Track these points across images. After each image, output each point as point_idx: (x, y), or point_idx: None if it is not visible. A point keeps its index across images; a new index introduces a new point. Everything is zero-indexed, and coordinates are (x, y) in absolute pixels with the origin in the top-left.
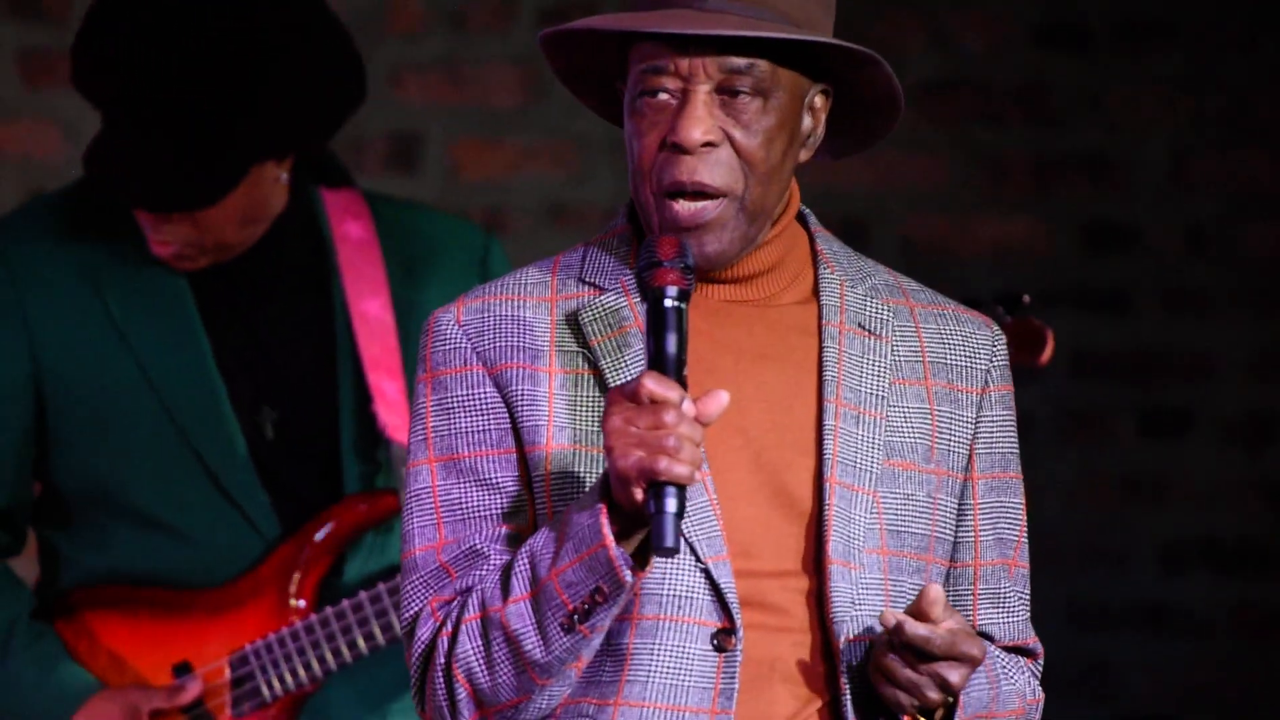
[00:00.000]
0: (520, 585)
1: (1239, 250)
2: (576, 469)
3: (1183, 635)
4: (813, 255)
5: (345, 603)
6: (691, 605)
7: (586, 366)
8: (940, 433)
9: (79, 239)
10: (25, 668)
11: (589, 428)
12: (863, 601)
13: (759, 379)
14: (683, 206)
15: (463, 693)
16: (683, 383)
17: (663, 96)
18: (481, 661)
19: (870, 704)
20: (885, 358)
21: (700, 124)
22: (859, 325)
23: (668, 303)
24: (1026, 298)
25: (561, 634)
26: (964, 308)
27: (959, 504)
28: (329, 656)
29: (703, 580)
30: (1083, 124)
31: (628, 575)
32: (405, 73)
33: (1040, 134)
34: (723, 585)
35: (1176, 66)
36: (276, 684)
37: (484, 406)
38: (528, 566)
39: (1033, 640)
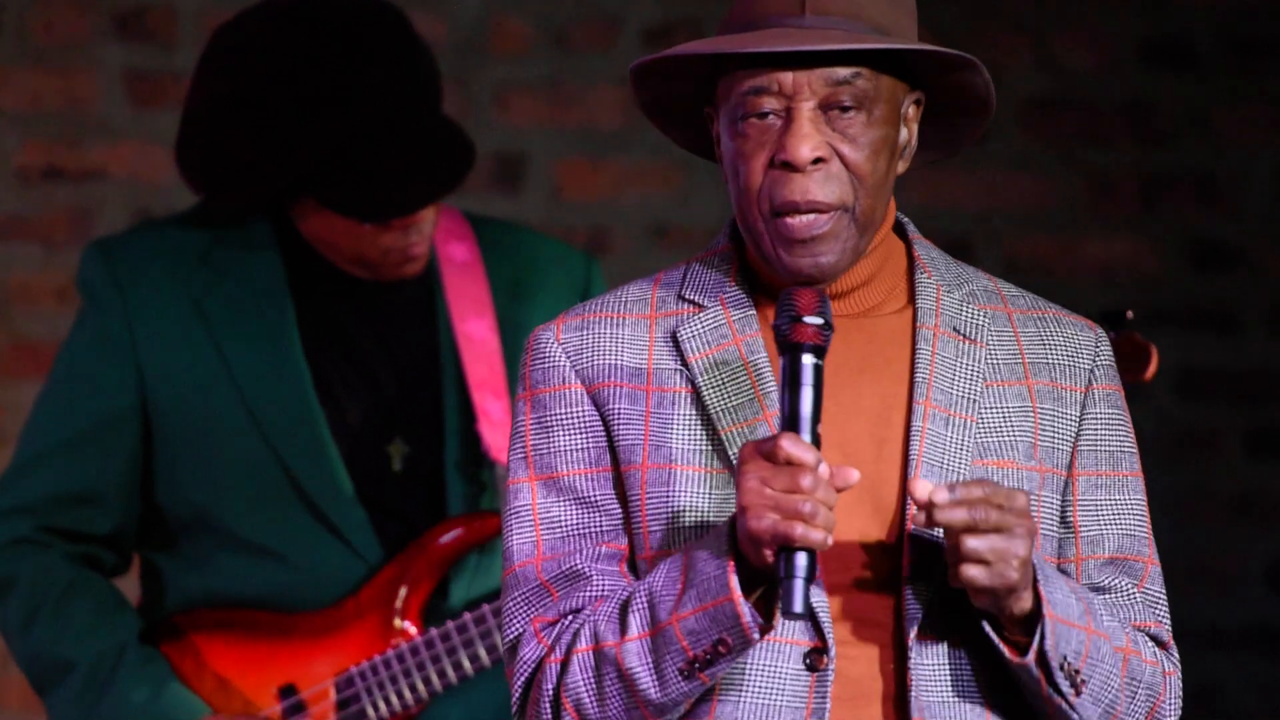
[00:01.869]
0: (638, 624)
1: None
2: (672, 488)
3: None
4: (909, 262)
5: (450, 624)
6: (784, 625)
7: (684, 384)
8: (1043, 430)
9: (187, 265)
10: (135, 690)
11: (685, 446)
12: (948, 607)
13: (857, 391)
14: (797, 220)
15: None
16: (817, 440)
17: (769, 118)
18: (592, 694)
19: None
20: (980, 361)
21: (809, 140)
22: (953, 329)
23: (806, 360)
24: (1130, 313)
25: (680, 679)
26: (1065, 311)
27: (1062, 500)
28: (434, 678)
29: None
30: (1189, 143)
31: (755, 634)
32: (509, 93)
33: (1146, 153)
34: (816, 605)
35: None
36: (382, 705)
37: (582, 425)
38: (645, 606)
39: (1158, 627)
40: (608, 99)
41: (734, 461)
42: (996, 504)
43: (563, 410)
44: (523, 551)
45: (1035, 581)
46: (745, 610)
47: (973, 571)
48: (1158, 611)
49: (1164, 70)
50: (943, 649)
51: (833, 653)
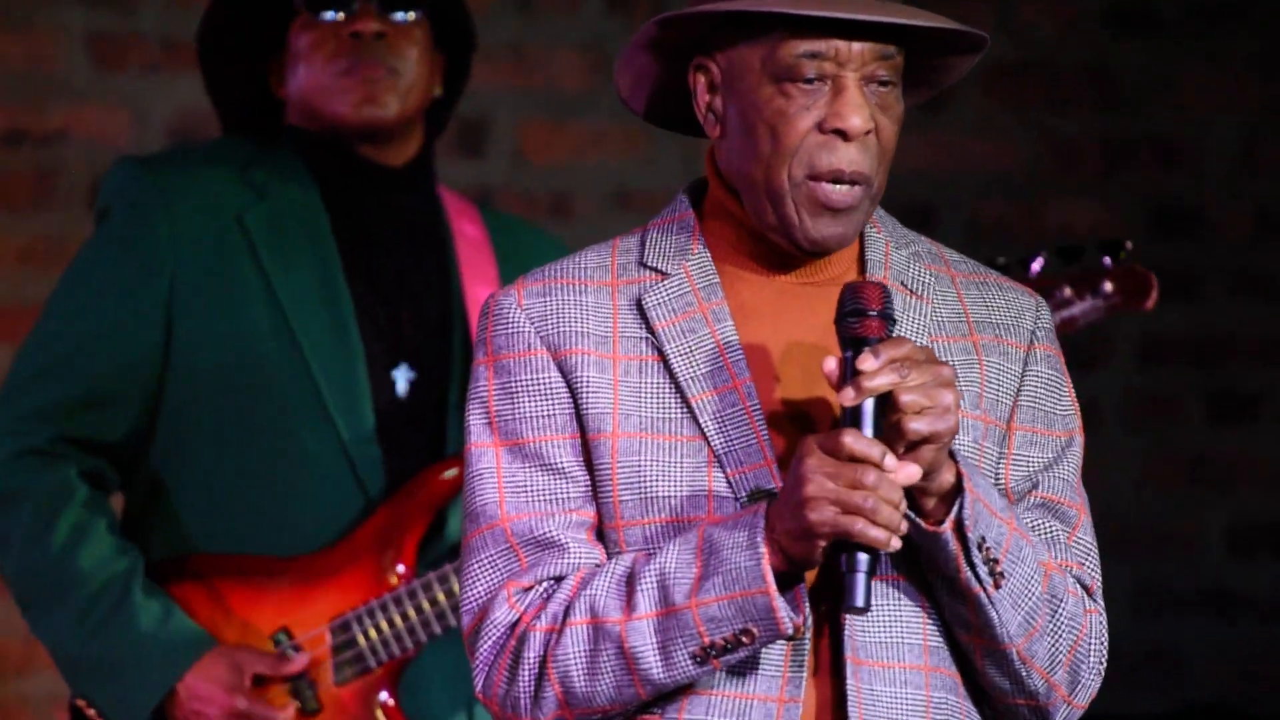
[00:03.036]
0: (647, 602)
1: None
2: (643, 457)
3: (1250, 621)
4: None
5: (447, 566)
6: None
7: (651, 352)
8: (989, 381)
9: (228, 181)
10: (144, 618)
11: (654, 415)
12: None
13: (819, 360)
14: (838, 189)
15: (551, 692)
16: (879, 433)
17: (815, 81)
18: (583, 668)
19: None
20: (925, 317)
21: (863, 110)
22: (901, 283)
23: None
24: (1129, 243)
25: (689, 662)
26: (1005, 278)
27: (999, 451)
28: (433, 621)
29: None
30: (1152, 107)
31: (789, 629)
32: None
33: (1109, 118)
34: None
35: (1247, 49)
36: (382, 650)
37: (549, 391)
38: (656, 585)
39: (1080, 570)
40: (571, 62)
41: (704, 429)
42: (917, 357)
43: (528, 376)
44: (488, 513)
45: (954, 458)
46: (780, 605)
47: (914, 424)
48: (1086, 561)
49: (1126, 35)
50: (880, 592)
51: (809, 621)
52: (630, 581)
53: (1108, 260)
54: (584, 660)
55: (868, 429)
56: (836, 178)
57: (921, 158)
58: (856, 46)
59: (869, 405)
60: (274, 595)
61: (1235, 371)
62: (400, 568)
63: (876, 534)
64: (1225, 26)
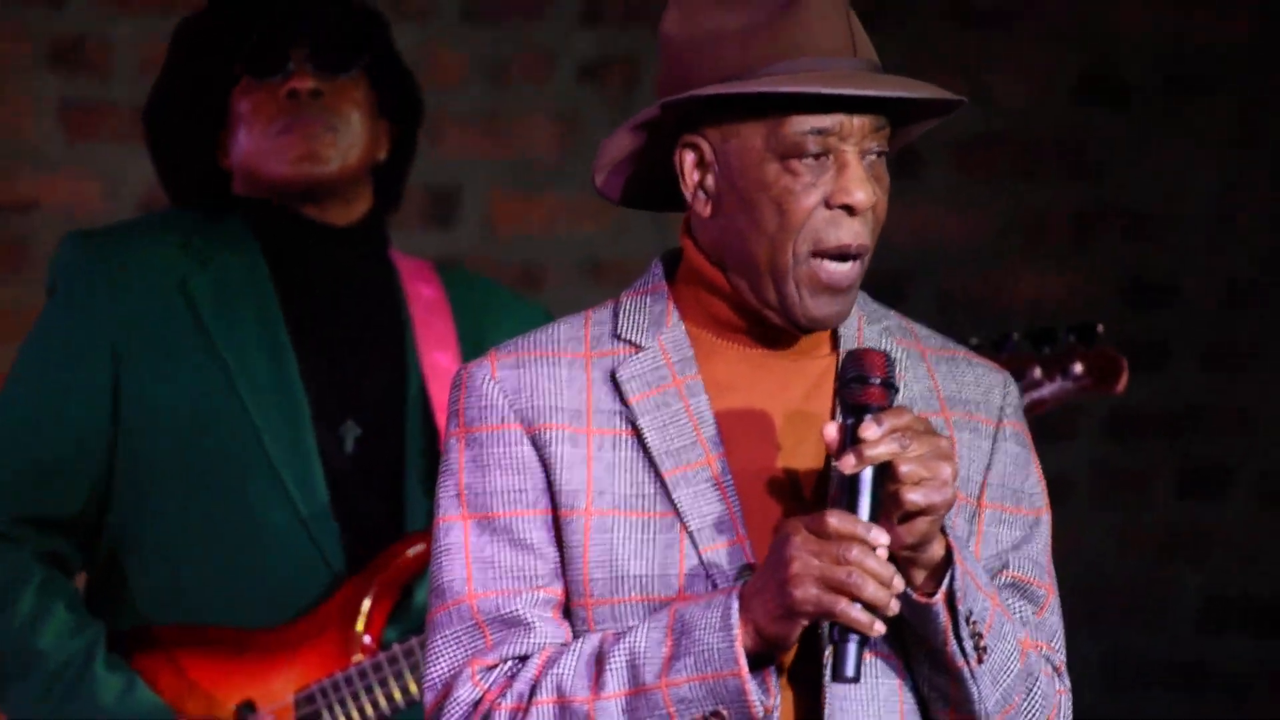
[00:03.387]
0: (615, 682)
1: (1279, 305)
2: (615, 535)
3: (1220, 694)
4: None
5: (414, 639)
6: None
7: (625, 426)
8: (960, 458)
9: (169, 249)
10: (104, 691)
11: (627, 491)
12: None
13: (800, 434)
14: (841, 267)
15: None
16: (877, 505)
17: (819, 158)
18: None
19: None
20: (899, 395)
21: (866, 185)
22: None
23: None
24: (1101, 327)
25: None
26: (974, 354)
27: (969, 530)
28: (396, 694)
29: None
30: (1123, 179)
31: (760, 710)
32: (444, 125)
33: (1080, 189)
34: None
35: (1218, 121)
36: None
37: (521, 466)
38: (625, 665)
39: (1051, 652)
40: (543, 132)
41: (676, 505)
42: (917, 428)
43: (500, 450)
44: (454, 589)
45: (944, 532)
46: (752, 687)
47: (912, 495)
48: (1054, 640)
49: (1097, 107)
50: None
51: (777, 700)
52: (599, 660)
53: (1078, 342)
54: None
55: (865, 497)
56: (843, 253)
57: (893, 229)
58: (858, 121)
59: (867, 474)
60: (239, 667)
61: (1206, 443)
62: (366, 640)
63: (859, 616)
64: (1195, 97)
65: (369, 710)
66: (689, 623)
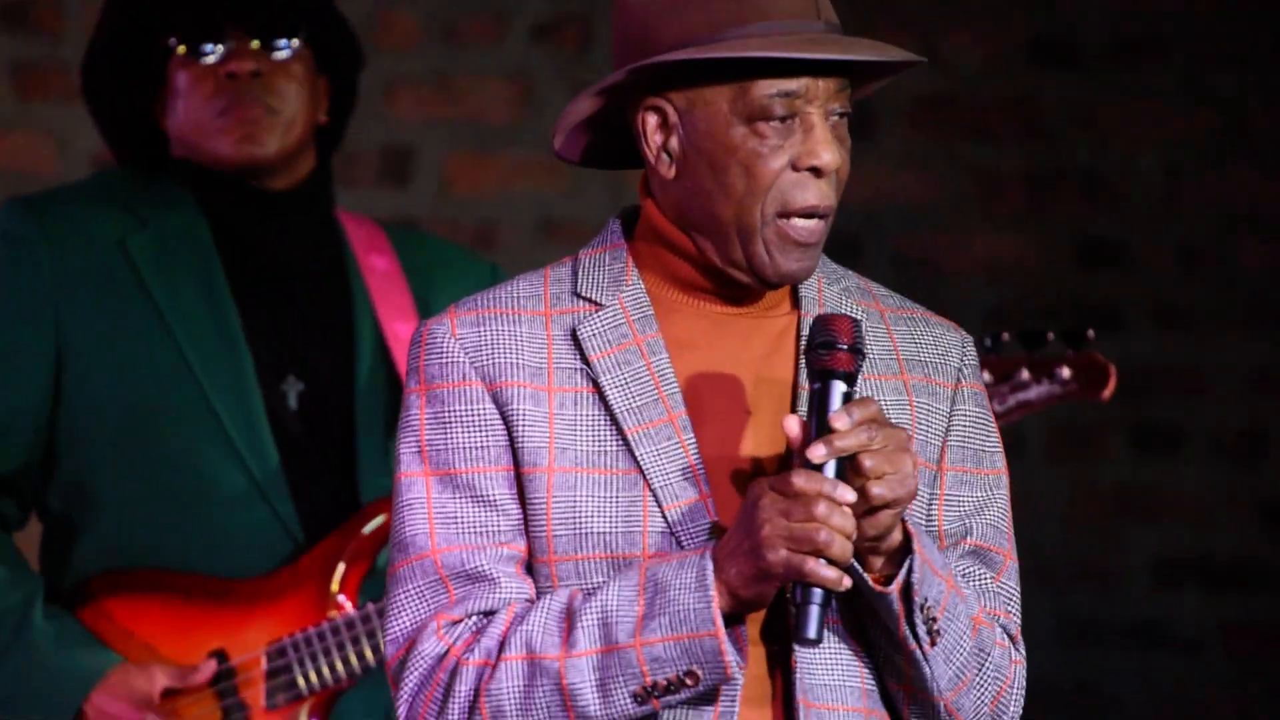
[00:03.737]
0: (586, 640)
1: (1231, 267)
2: (578, 492)
3: (1174, 652)
4: None
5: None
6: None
7: (586, 384)
8: (919, 423)
9: (109, 211)
10: (46, 646)
11: (590, 448)
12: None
13: (761, 391)
14: (808, 224)
15: None
16: (842, 468)
17: (785, 121)
18: (517, 704)
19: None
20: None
21: (832, 147)
22: None
23: (838, 386)
24: (1091, 332)
25: (630, 702)
26: (931, 313)
27: (930, 493)
28: (368, 653)
29: None
30: (1075, 140)
31: (735, 671)
32: (398, 87)
33: (1033, 150)
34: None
35: (1169, 83)
36: (314, 676)
37: (482, 423)
38: (596, 623)
39: (1007, 619)
40: (496, 93)
41: (640, 462)
42: (881, 420)
43: (462, 407)
44: (417, 544)
45: (903, 520)
46: (729, 648)
47: (877, 489)
48: (1010, 606)
49: (1050, 68)
50: (826, 637)
51: (744, 658)
52: (568, 618)
53: (1067, 347)
54: (518, 695)
55: (832, 461)
56: (810, 213)
57: (847, 190)
58: (823, 83)
59: (831, 464)
60: (213, 616)
61: (1158, 403)
62: (341, 599)
63: (828, 574)
64: (1148, 60)
65: (339, 667)
66: (662, 582)
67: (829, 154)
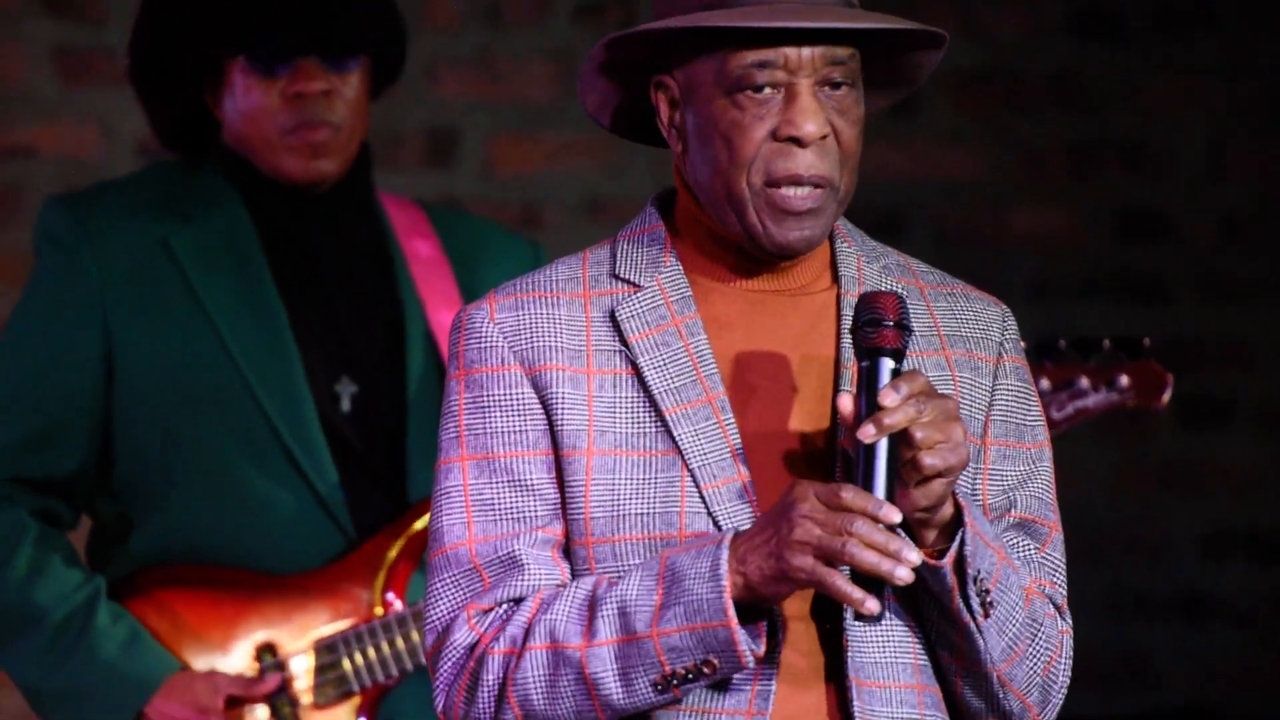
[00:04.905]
0: (607, 629)
1: (1275, 237)
2: (617, 475)
3: (1223, 624)
4: (830, 231)
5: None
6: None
7: (625, 365)
8: (963, 398)
9: (151, 210)
10: (106, 643)
11: (629, 430)
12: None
13: (800, 370)
14: (796, 192)
15: (510, 715)
16: (894, 465)
17: (767, 90)
18: (543, 692)
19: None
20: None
21: (817, 116)
22: None
23: (886, 364)
24: (1147, 341)
25: (650, 691)
26: (972, 287)
27: (974, 467)
28: (419, 650)
29: None
30: (1118, 113)
31: (750, 660)
32: (441, 67)
33: (1075, 123)
34: None
35: (1212, 55)
36: (366, 675)
37: (521, 407)
38: (616, 612)
39: (1053, 589)
40: (539, 73)
41: (678, 443)
42: (929, 392)
43: (500, 391)
44: (454, 532)
45: (954, 494)
46: (741, 638)
47: (930, 459)
48: (1056, 577)
49: (1091, 41)
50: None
51: (780, 637)
52: (591, 607)
53: (1124, 356)
54: (544, 684)
55: (881, 462)
56: (794, 182)
57: (889, 166)
58: (806, 53)
59: (883, 441)
60: (262, 610)
61: (1204, 376)
62: (390, 595)
63: (850, 592)
64: (1189, 32)
65: (390, 664)
66: (679, 571)
67: (811, 123)
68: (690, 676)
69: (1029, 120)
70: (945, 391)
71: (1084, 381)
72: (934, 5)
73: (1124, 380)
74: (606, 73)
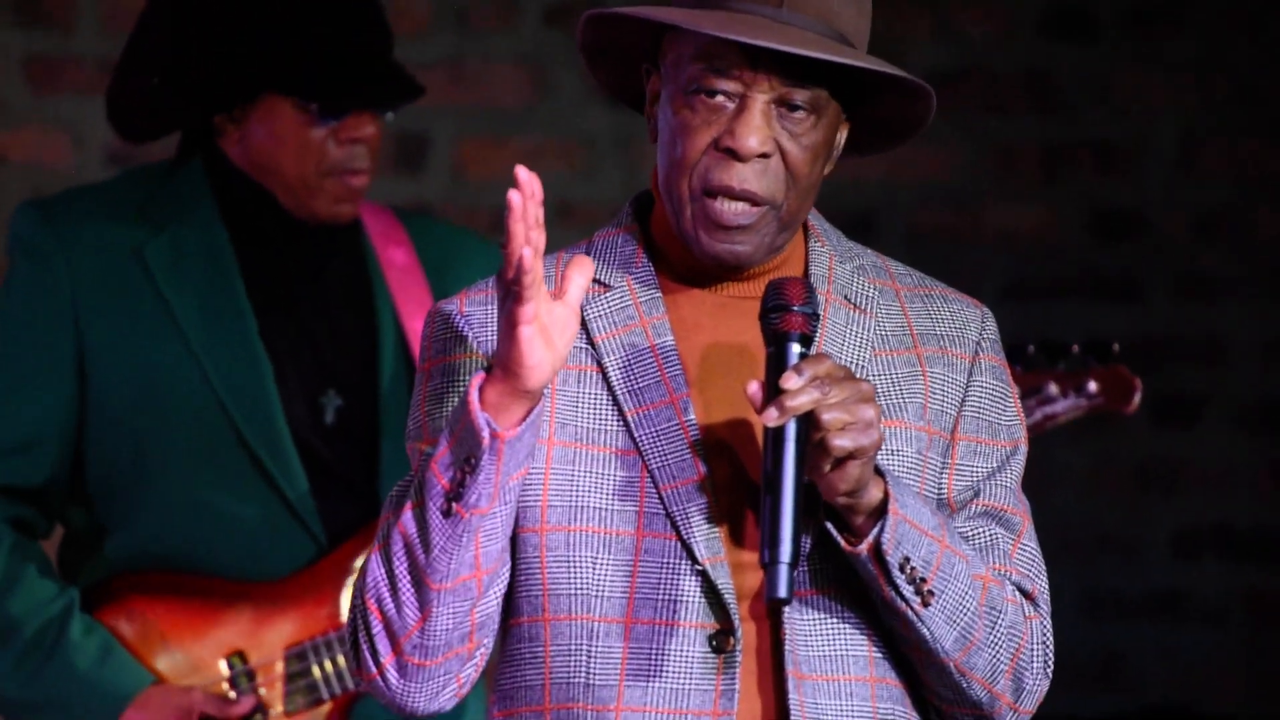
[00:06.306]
0: (413, 493)
1: (1248, 236)
2: (576, 467)
3: (1197, 623)
4: (804, 231)
5: None
6: (688, 609)
7: (590, 363)
8: (933, 393)
9: (124, 217)
10: (80, 656)
11: (590, 425)
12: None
13: (759, 374)
14: (725, 206)
15: (377, 624)
16: (802, 448)
17: (719, 98)
18: (386, 584)
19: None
20: (868, 331)
21: (759, 133)
22: (844, 298)
23: (794, 349)
24: (1116, 346)
25: (442, 520)
26: (951, 290)
27: (941, 462)
28: None
29: (699, 583)
30: (1090, 112)
31: (485, 432)
32: (411, 72)
33: (1047, 122)
34: (720, 587)
35: (1184, 53)
36: (336, 683)
37: None
38: (417, 484)
39: (1021, 577)
40: (509, 77)
41: (638, 443)
42: (837, 375)
43: (461, 378)
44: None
45: (884, 476)
46: (476, 411)
47: (838, 440)
48: (1030, 568)
49: (1064, 40)
50: (822, 605)
51: (740, 633)
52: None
53: (1093, 360)
54: (385, 576)
55: (790, 446)
56: (727, 194)
57: (861, 166)
58: (762, 72)
59: (791, 426)
60: (232, 618)
61: (1178, 374)
62: None
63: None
64: (1160, 29)
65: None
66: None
67: (752, 138)
68: (461, 480)
69: (1001, 119)
70: (914, 387)
71: (1052, 388)
72: (905, 5)
73: (1093, 386)
74: (617, 58)
